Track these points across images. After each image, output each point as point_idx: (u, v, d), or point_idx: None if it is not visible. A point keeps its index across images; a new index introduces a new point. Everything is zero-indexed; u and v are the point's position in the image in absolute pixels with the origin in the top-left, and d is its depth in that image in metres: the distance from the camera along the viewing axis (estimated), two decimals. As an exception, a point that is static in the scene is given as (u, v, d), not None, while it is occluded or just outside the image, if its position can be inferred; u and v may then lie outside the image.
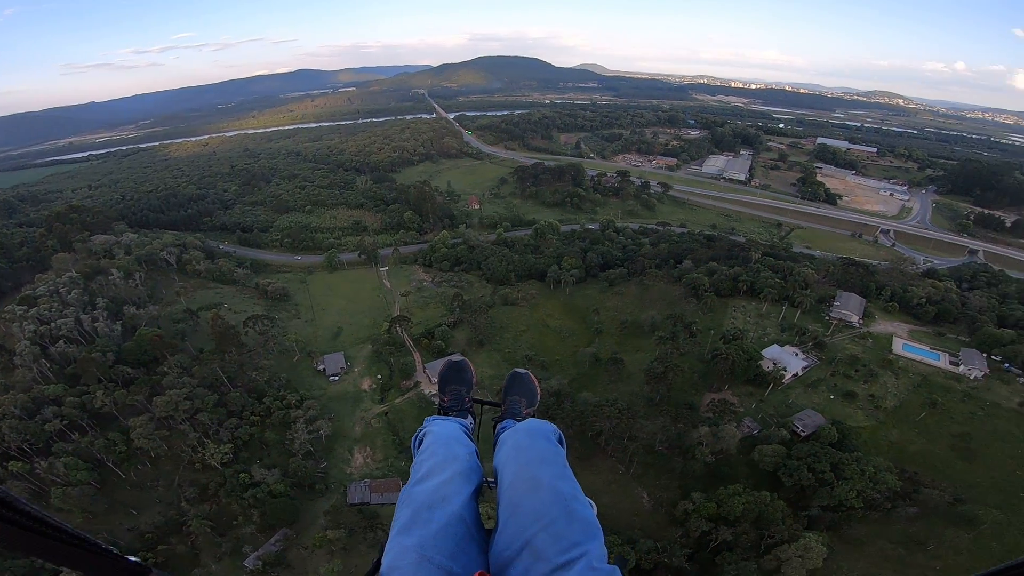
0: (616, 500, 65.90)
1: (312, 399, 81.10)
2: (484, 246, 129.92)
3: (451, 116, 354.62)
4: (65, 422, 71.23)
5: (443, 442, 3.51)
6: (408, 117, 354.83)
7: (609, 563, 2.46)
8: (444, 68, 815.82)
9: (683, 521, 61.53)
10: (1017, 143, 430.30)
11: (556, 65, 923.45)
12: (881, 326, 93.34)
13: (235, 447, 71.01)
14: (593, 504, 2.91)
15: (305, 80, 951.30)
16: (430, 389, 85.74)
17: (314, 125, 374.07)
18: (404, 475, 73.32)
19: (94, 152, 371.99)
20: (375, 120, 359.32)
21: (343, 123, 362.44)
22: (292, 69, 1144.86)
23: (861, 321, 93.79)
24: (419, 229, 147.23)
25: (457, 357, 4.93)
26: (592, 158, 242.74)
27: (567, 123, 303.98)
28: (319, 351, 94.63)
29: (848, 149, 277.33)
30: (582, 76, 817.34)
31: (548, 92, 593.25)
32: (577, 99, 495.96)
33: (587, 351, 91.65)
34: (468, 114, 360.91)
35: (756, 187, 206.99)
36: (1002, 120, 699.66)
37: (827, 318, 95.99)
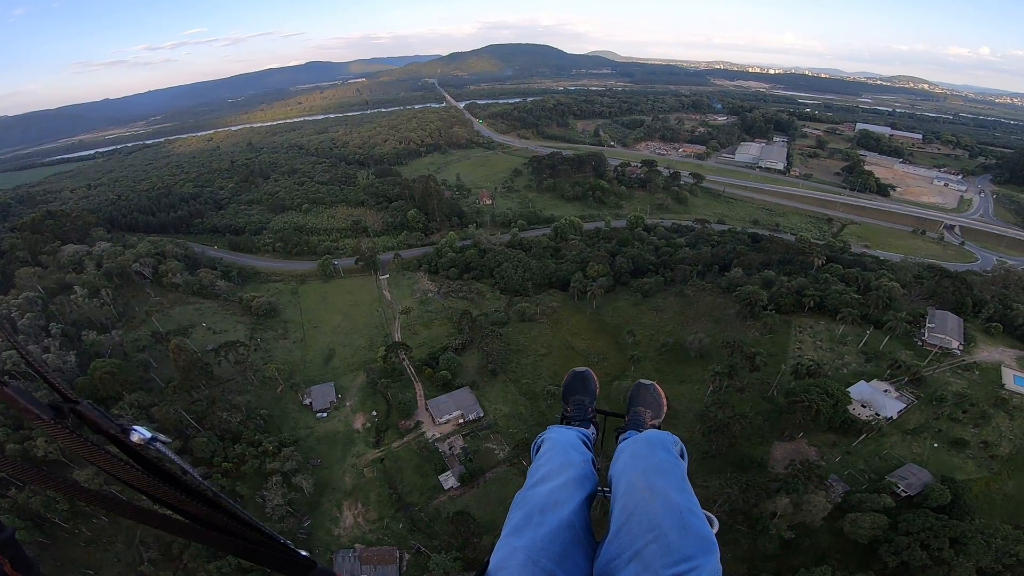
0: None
1: (292, 445, 67.76)
2: (497, 249, 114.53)
3: (461, 105, 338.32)
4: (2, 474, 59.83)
5: (561, 448, 3.46)
6: (417, 107, 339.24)
7: None
8: (455, 57, 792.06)
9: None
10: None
11: (568, 52, 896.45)
12: (985, 353, 76.43)
13: (202, 502, 58.44)
14: (715, 520, 2.78)
15: (316, 72, 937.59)
16: (433, 431, 71.47)
17: (320, 117, 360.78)
18: (401, 540, 58.64)
19: (100, 149, 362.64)
20: (383, 111, 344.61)
21: (350, 114, 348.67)
22: (303, 62, 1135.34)
23: (962, 347, 76.95)
24: (424, 229, 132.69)
25: (581, 368, 4.94)
26: (613, 146, 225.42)
27: (584, 109, 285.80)
28: (307, 380, 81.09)
29: (892, 135, 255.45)
30: (595, 63, 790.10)
31: (561, 79, 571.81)
32: (592, 85, 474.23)
33: (623, 384, 76.35)
34: (479, 102, 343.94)
35: (796, 177, 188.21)
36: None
37: (920, 344, 79.06)
